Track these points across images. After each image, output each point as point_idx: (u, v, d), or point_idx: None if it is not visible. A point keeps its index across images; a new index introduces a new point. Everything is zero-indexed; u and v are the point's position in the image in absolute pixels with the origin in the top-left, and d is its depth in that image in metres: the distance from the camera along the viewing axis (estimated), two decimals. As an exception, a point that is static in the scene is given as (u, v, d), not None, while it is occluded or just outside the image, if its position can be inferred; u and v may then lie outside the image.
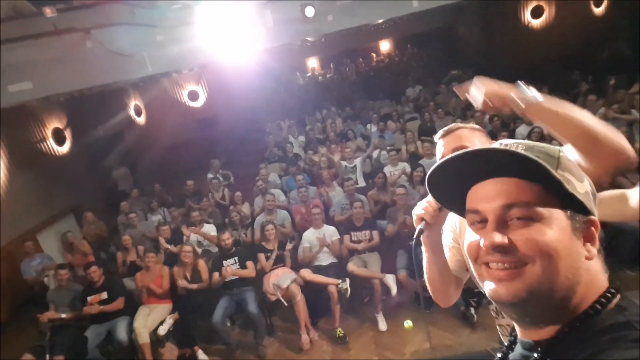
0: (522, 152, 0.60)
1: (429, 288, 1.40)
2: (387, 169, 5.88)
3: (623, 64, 7.77)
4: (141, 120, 10.65)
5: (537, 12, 9.75)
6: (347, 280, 4.13)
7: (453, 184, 0.68)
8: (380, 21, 7.56)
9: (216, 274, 4.28)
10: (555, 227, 0.59)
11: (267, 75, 10.80)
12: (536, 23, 9.84)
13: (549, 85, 7.48)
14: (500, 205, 0.61)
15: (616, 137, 0.99)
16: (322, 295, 4.17)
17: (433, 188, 0.72)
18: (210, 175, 7.25)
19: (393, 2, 6.45)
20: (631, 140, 4.85)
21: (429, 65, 12.33)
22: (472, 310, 3.86)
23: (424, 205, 1.21)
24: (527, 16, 9.89)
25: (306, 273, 4.28)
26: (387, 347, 3.82)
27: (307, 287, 4.22)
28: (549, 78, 8.04)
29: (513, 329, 0.73)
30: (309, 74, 15.01)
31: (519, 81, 1.13)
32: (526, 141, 0.65)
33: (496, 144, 0.66)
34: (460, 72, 10.69)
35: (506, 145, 0.64)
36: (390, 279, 4.10)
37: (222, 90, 10.84)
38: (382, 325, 4.10)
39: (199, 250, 5.00)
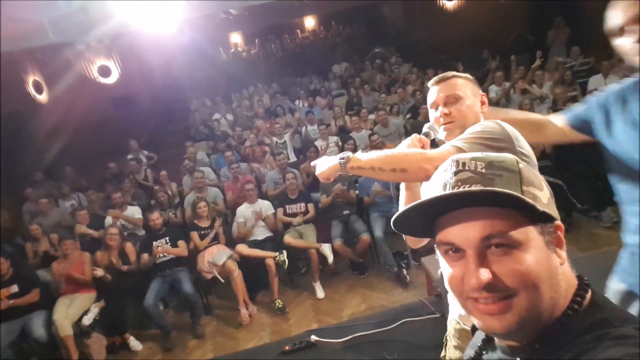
0: (484, 170, 0.61)
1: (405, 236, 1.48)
2: (318, 143, 5.95)
3: (526, 46, 8.61)
4: (43, 98, 9.47)
5: (450, -5, 10.34)
6: (284, 252, 4.16)
7: (420, 218, 0.66)
8: (305, -5, 7.49)
9: (145, 255, 4.06)
10: (533, 249, 0.59)
11: (190, 49, 10.19)
12: (450, 5, 10.45)
13: (462, 62, 8.07)
14: (478, 238, 0.60)
15: (414, 156, 1.19)
16: (259, 269, 4.16)
17: (399, 224, 0.69)
18: (130, 156, 6.76)
19: (318, -24, 6.40)
20: (532, 110, 5.43)
21: (354, 42, 12.53)
22: (404, 272, 4.12)
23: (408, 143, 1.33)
24: (442, -2, 10.45)
25: (242, 248, 4.22)
26: (326, 313, 3.94)
27: (244, 262, 4.18)
28: (462, 56, 8.66)
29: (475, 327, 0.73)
30: (233, 50, 14.46)
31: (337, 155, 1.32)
32: (483, 154, 0.65)
33: (451, 162, 0.65)
34: (383, 50, 11.03)
35: (464, 163, 0.64)
36: (326, 248, 4.21)
37: (140, 65, 10.02)
38: (320, 293, 4.21)
39: (125, 234, 4.67)
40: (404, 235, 1.58)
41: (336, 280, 4.44)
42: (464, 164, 0.64)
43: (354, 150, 5.38)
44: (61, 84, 9.22)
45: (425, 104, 5.93)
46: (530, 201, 0.58)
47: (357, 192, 4.61)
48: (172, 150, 8.28)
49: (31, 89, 9.02)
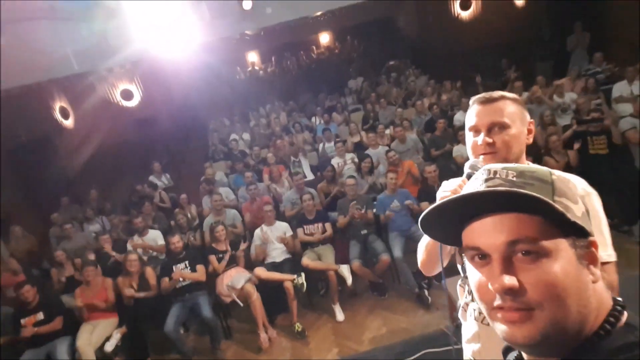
0: (515, 179, 0.60)
1: (421, 259, 1.43)
2: (335, 161, 5.93)
3: (545, 51, 8.43)
4: (69, 123, 9.85)
5: (465, 5, 10.26)
6: (302, 274, 4.12)
7: (448, 222, 0.66)
8: (318, 13, 7.57)
9: (165, 279, 4.09)
10: (562, 260, 0.58)
11: (207, 71, 10.42)
12: (465, 14, 10.36)
13: (480, 72, 7.95)
14: (505, 243, 0.59)
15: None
16: (278, 292, 4.13)
17: (426, 226, 0.69)
18: (151, 178, 6.90)
19: (331, -6, 6.47)
20: (552, 123, 5.27)
21: (369, 56, 12.56)
22: (426, 292, 4.01)
23: (454, 187, 1.16)
24: (456, 8, 10.37)
25: (260, 271, 4.21)
26: (346, 336, 3.86)
27: (263, 285, 4.16)
28: (480, 65, 8.54)
29: (507, 349, 0.72)
30: (250, 69, 14.71)
31: None
32: (515, 165, 0.64)
33: (483, 171, 0.64)
34: (398, 63, 11.01)
35: (495, 172, 0.62)
36: (345, 269, 4.15)
37: (160, 88, 10.31)
38: (340, 315, 4.14)
39: (145, 258, 4.74)
40: (418, 262, 1.51)
41: (356, 302, 4.36)
42: (495, 172, 0.63)
43: (371, 169, 5.32)
44: (86, 109, 9.58)
45: (443, 117, 5.84)
46: (560, 208, 0.56)
47: (374, 210, 4.55)
48: (191, 170, 8.42)
49: (58, 115, 9.39)
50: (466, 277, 1.44)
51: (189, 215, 5.49)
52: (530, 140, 1.25)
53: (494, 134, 1.21)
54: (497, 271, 0.59)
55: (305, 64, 13.41)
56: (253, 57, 15.19)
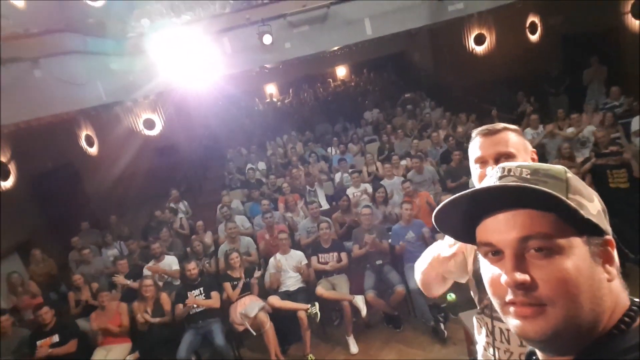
0: (529, 177, 0.60)
1: (420, 279, 1.42)
2: (350, 191, 5.96)
3: (561, 85, 8.47)
4: (94, 150, 10.22)
5: (479, 40, 10.49)
6: (317, 304, 4.07)
7: (461, 217, 0.66)
8: (336, 48, 7.82)
9: (180, 306, 4.10)
10: (575, 257, 0.57)
11: (227, 101, 10.79)
12: (480, 49, 10.56)
13: (495, 105, 8.01)
14: (517, 238, 0.59)
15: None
16: (291, 321, 4.08)
17: (441, 222, 0.70)
18: (171, 205, 7.04)
19: (348, 30, 6.70)
20: (570, 156, 5.23)
21: (385, 89, 12.80)
22: (442, 326, 3.91)
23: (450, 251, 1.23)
24: (471, 43, 10.60)
25: (274, 300, 4.18)
26: (360, 370, 3.77)
27: (276, 314, 4.12)
28: (495, 98, 8.60)
29: (530, 354, 0.71)
30: (268, 100, 15.13)
31: None
32: (530, 163, 0.64)
33: (497, 169, 0.65)
34: (414, 95, 11.18)
35: (509, 170, 0.63)
36: (359, 300, 4.09)
37: (181, 117, 10.68)
38: (354, 347, 4.05)
39: (160, 284, 4.78)
40: (417, 280, 1.50)
41: (370, 334, 4.27)
42: (509, 170, 0.63)
43: (385, 199, 5.31)
44: (110, 137, 9.95)
45: (458, 149, 5.85)
46: (573, 205, 0.56)
47: (389, 241, 4.52)
48: (209, 198, 8.56)
49: (83, 143, 9.77)
50: (482, 311, 1.42)
51: (205, 242, 5.54)
52: None
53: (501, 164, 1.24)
54: (509, 267, 0.60)
55: (322, 95, 13.74)
56: (271, 89, 15.67)
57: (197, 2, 8.38)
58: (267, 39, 6.18)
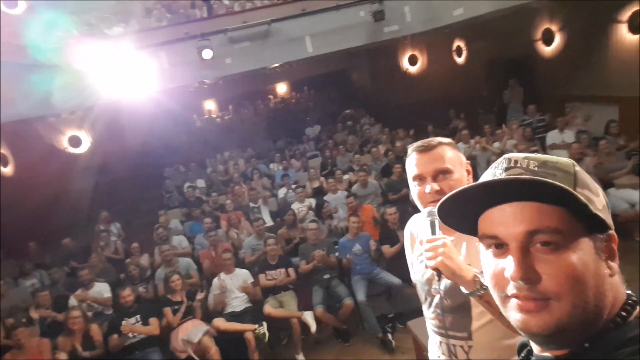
0: (537, 169, 0.59)
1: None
2: (295, 206, 5.92)
3: (487, 103, 9.22)
4: (8, 171, 9.20)
5: (413, 60, 11.15)
6: (264, 324, 3.94)
7: (465, 209, 0.65)
8: (277, 64, 7.87)
9: (114, 336, 3.75)
10: (581, 252, 0.57)
11: (164, 118, 10.33)
12: (413, 69, 11.22)
13: (431, 121, 8.49)
14: (523, 232, 0.58)
15: None
16: (238, 344, 3.90)
17: (444, 214, 0.69)
18: (100, 228, 6.50)
19: (289, 47, 6.77)
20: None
21: (326, 105, 13.07)
22: (390, 336, 3.96)
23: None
24: (405, 63, 11.22)
25: (220, 322, 3.98)
26: (311, 389, 3.68)
27: (222, 338, 3.92)
28: (430, 115, 9.13)
29: (522, 346, 0.71)
30: (207, 116, 14.78)
31: None
32: (537, 155, 0.63)
33: (503, 160, 0.64)
34: (354, 111, 11.54)
35: (516, 161, 0.62)
36: (308, 316, 4.03)
37: (112, 134, 10.01)
38: (304, 366, 3.96)
39: (90, 314, 4.34)
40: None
41: (321, 350, 4.20)
42: (516, 162, 0.62)
43: (330, 214, 5.33)
44: (29, 157, 9.03)
45: (398, 163, 6.06)
46: (582, 199, 0.55)
47: (337, 254, 4.53)
48: (145, 219, 8.05)
49: (-5, 163, 8.77)
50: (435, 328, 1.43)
51: (141, 265, 5.17)
52: (471, 181, 1.29)
53: (439, 180, 1.25)
54: (515, 261, 0.58)
55: (263, 112, 13.70)
56: (211, 105, 15.33)
57: (131, 14, 8.03)
58: (207, 54, 6.05)
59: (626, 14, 6.31)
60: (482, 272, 1.07)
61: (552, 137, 6.45)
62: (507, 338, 1.26)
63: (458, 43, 10.08)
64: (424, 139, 1.35)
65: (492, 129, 7.06)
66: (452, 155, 1.28)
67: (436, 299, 1.11)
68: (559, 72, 7.78)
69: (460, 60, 10.22)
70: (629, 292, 0.62)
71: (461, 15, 6.48)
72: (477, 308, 1.25)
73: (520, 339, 1.24)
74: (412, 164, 1.30)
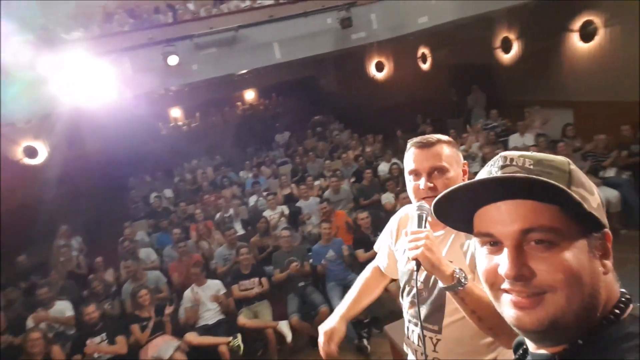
0: (532, 167, 0.60)
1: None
2: (266, 214, 5.85)
3: (454, 108, 9.50)
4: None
5: (380, 67, 11.33)
6: (239, 335, 3.85)
7: (461, 206, 0.65)
8: (244, 71, 7.79)
9: (77, 357, 3.54)
10: (575, 249, 0.57)
11: (127, 126, 9.97)
12: (380, 75, 11.40)
13: (400, 126, 8.66)
14: (518, 230, 0.58)
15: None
16: (212, 357, 3.78)
17: (440, 211, 0.69)
18: (60, 243, 6.17)
19: (257, 53, 6.72)
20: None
21: (295, 112, 13.06)
22: (365, 342, 3.95)
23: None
24: (372, 70, 11.39)
25: (192, 337, 3.85)
26: (288, 400, 3.61)
27: (195, 352, 3.79)
28: (399, 120, 9.31)
29: (518, 345, 0.70)
30: (172, 124, 14.42)
31: None
32: (532, 153, 0.63)
33: (499, 158, 0.64)
34: (323, 117, 11.59)
35: (512, 159, 0.62)
36: (284, 326, 3.97)
37: (72, 144, 9.54)
38: (280, 377, 3.89)
39: (51, 335, 4.08)
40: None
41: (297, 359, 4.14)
42: (511, 160, 0.62)
43: (303, 221, 5.29)
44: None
45: (368, 168, 6.13)
46: (577, 197, 0.55)
47: (311, 261, 4.50)
48: (110, 231, 7.71)
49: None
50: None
51: (105, 281, 4.93)
52: (467, 181, 1.33)
53: (434, 177, 1.28)
54: (509, 258, 0.58)
55: (232, 119, 13.53)
56: (176, 112, 14.98)
57: (90, 19, 7.74)
58: (173, 60, 5.91)
59: (577, 24, 6.71)
60: (461, 270, 1.13)
61: (514, 140, 6.71)
62: (476, 337, 1.30)
63: (423, 50, 10.36)
64: (423, 135, 1.37)
65: (459, 133, 7.27)
66: (449, 153, 1.30)
67: (414, 290, 1.14)
68: (517, 78, 8.14)
69: (425, 66, 10.49)
70: (623, 290, 0.63)
71: (426, 23, 6.67)
72: (451, 304, 1.28)
73: (490, 339, 1.29)
74: (410, 159, 1.33)
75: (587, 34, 6.60)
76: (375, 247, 1.73)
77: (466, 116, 9.03)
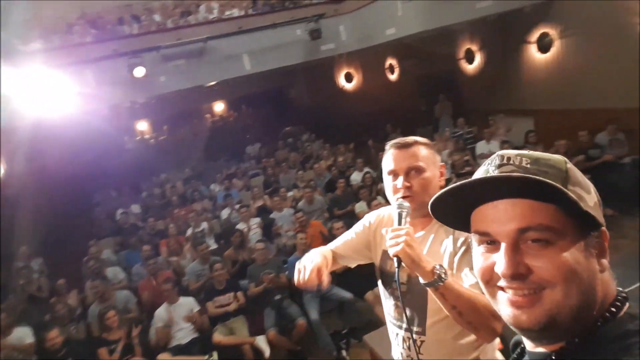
0: (529, 166, 0.60)
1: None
2: (240, 226, 5.74)
3: (422, 117, 9.73)
4: None
5: (349, 77, 11.50)
6: (214, 353, 3.73)
7: (458, 205, 0.65)
8: (214, 83, 7.70)
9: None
10: (572, 248, 0.57)
11: (90, 139, 9.60)
12: (349, 86, 11.57)
13: (370, 135, 8.76)
14: (515, 229, 0.58)
15: (486, 314, 1.11)
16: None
17: (436, 210, 0.68)
18: (19, 265, 5.80)
19: (226, 65, 6.67)
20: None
21: (265, 123, 13.01)
22: (344, 353, 3.91)
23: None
24: (342, 80, 11.54)
25: (165, 358, 3.68)
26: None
27: (167, 375, 3.62)
28: (370, 129, 9.44)
29: (516, 344, 0.71)
30: (139, 138, 14.02)
31: None
32: (530, 152, 0.63)
33: (496, 157, 0.64)
34: (294, 128, 11.60)
35: (509, 158, 0.62)
36: (261, 341, 3.87)
37: (31, 159, 9.07)
38: (258, 395, 3.78)
39: (9, 365, 3.82)
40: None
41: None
42: (508, 159, 0.62)
43: (278, 232, 5.24)
44: None
45: (341, 178, 6.16)
46: (573, 197, 0.56)
47: (286, 273, 4.43)
48: (73, 249, 7.34)
49: None
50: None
51: (69, 304, 4.67)
52: (443, 182, 1.37)
53: (411, 177, 1.31)
54: (506, 257, 0.59)
55: (201, 131, 13.32)
56: (143, 125, 14.61)
57: (49, 30, 7.46)
58: (139, 72, 5.76)
59: (534, 36, 7.06)
60: (441, 266, 1.14)
61: (481, 147, 6.93)
62: (459, 337, 1.32)
63: (390, 61, 10.59)
64: (401, 137, 1.41)
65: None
66: (426, 154, 1.35)
67: (398, 289, 1.14)
68: (481, 87, 8.46)
69: (393, 77, 10.73)
70: (619, 288, 0.64)
71: (393, 35, 6.83)
72: (433, 304, 1.28)
73: (471, 338, 1.30)
74: (389, 159, 1.36)
75: (543, 45, 6.95)
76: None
77: (434, 125, 9.25)
